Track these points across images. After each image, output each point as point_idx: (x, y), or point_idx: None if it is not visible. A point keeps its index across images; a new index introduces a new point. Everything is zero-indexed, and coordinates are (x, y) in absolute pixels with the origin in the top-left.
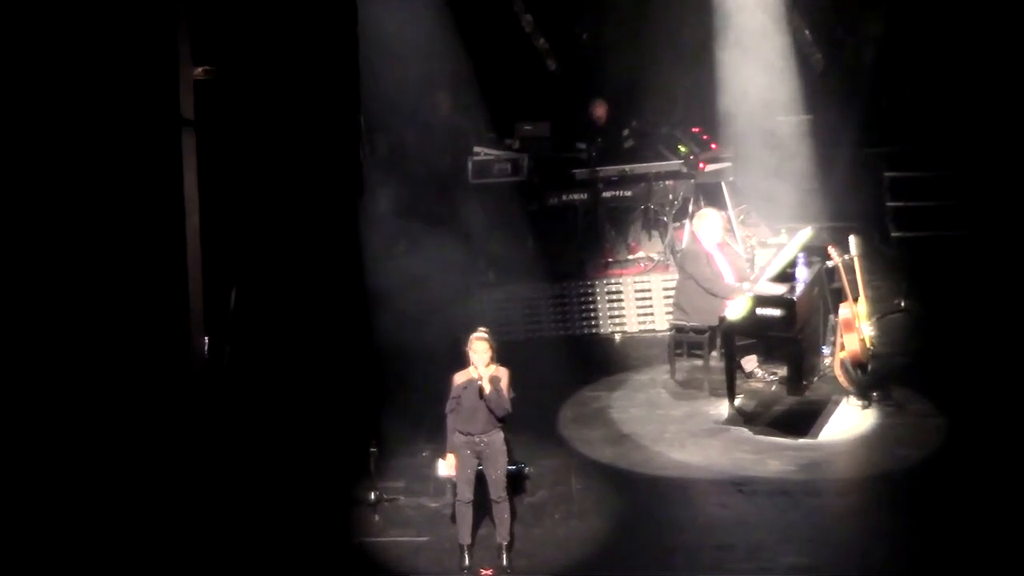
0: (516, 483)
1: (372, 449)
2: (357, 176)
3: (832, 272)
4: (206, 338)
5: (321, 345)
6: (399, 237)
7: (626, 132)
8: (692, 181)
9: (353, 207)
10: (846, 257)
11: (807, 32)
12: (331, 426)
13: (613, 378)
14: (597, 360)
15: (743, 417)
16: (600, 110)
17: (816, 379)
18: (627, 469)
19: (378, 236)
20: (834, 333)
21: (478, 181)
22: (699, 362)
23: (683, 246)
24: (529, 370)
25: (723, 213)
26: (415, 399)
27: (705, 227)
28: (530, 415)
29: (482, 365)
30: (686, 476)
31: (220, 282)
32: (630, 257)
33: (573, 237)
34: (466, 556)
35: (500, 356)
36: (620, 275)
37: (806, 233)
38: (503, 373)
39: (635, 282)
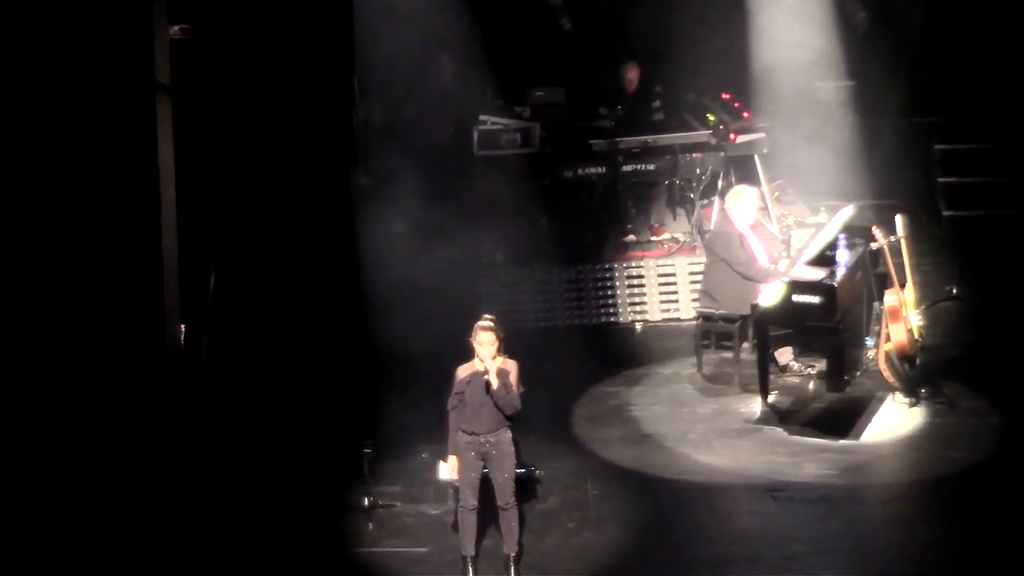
0: (525, 488)
1: (366, 450)
2: (350, 147)
3: (876, 255)
4: (182, 327)
5: (310, 334)
6: (396, 215)
7: (657, 102)
8: (722, 154)
9: (345, 181)
10: (892, 238)
11: None
12: (321, 424)
13: (633, 372)
14: (616, 352)
15: (777, 416)
16: (632, 73)
17: (858, 374)
18: (648, 473)
19: (373, 214)
20: (878, 323)
21: (485, 153)
22: (729, 354)
23: (712, 226)
24: (540, 363)
25: (756, 189)
26: (413, 394)
27: (737, 206)
28: (541, 413)
29: (488, 357)
30: (714, 481)
31: (198, 263)
32: (653, 238)
33: (590, 215)
34: (469, 569)
35: (508, 347)
36: (642, 257)
37: (848, 212)
38: (511, 366)
39: (658, 265)
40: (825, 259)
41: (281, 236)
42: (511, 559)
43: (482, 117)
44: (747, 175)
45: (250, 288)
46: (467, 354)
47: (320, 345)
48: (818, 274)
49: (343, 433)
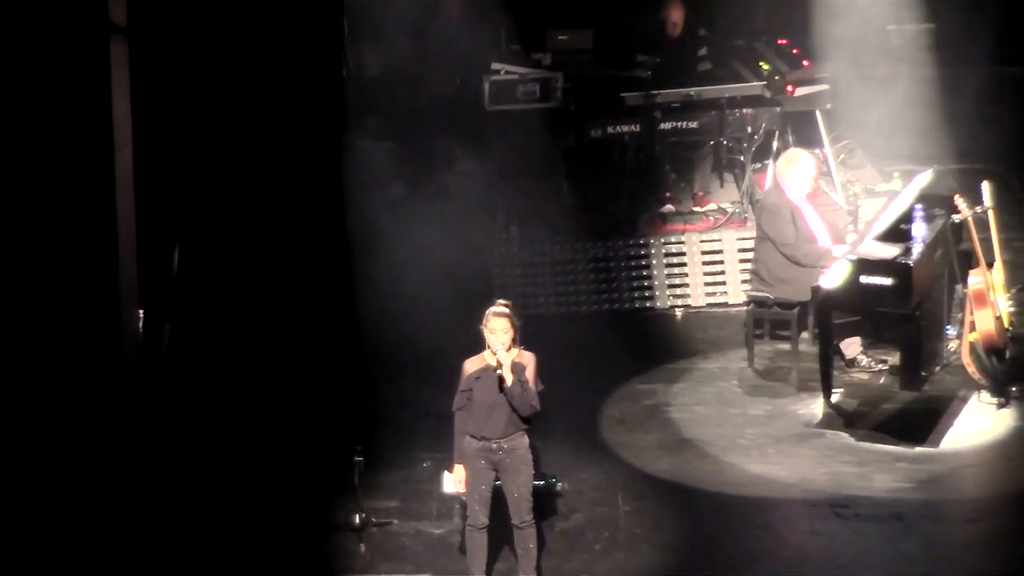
0: (545, 503)
1: (356, 457)
2: (338, 101)
3: (959, 229)
4: (140, 312)
5: (291, 322)
6: (393, 182)
7: (702, 49)
8: (777, 109)
9: (334, 142)
10: (977, 209)
11: None
12: (303, 428)
13: (672, 366)
14: (651, 343)
15: (842, 418)
16: (675, 14)
17: (938, 369)
18: (690, 485)
19: (366, 181)
20: (962, 309)
21: (497, 108)
22: (785, 346)
23: (763, 195)
24: (563, 356)
25: (817, 152)
26: (412, 392)
27: (791, 173)
28: (563, 414)
29: (501, 348)
30: (767, 495)
31: (160, 237)
32: (696, 209)
33: (621, 182)
34: None
35: (525, 337)
36: (683, 231)
37: (925, 178)
38: (529, 359)
39: (702, 241)
40: (899, 234)
41: (257, 206)
42: None
43: (494, 66)
44: (807, 134)
45: (221, 267)
46: (476, 345)
47: (303, 334)
48: (891, 251)
49: (329, 438)
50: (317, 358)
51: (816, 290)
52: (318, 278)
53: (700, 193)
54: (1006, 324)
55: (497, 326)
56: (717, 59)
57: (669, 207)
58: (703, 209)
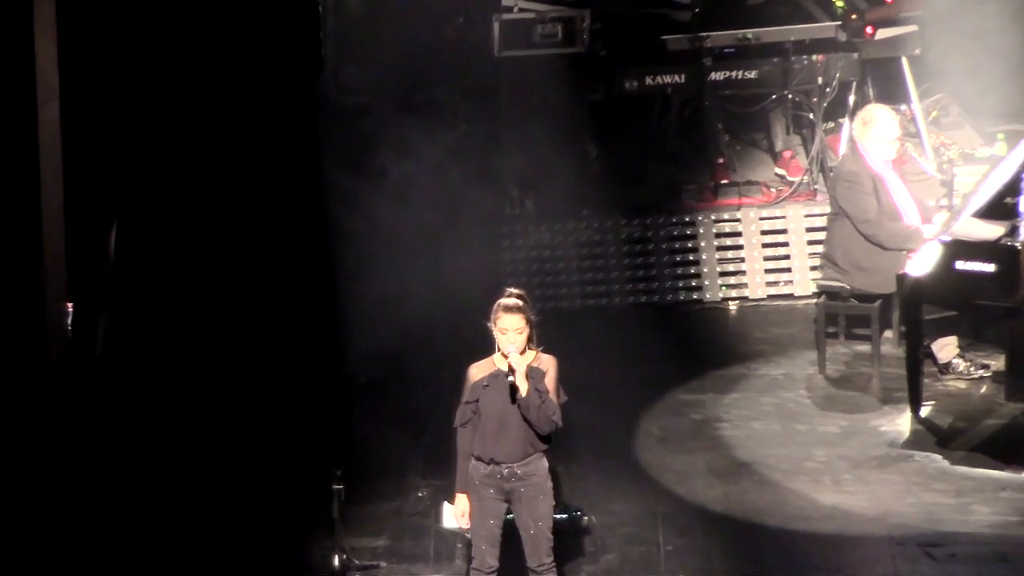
0: (569, 541)
1: (336, 486)
2: (312, 47)
3: None
4: (70, 306)
5: (257, 319)
6: (380, 144)
7: None
8: (855, 55)
9: (307, 98)
10: None
11: None
12: (271, 448)
13: (725, 373)
14: (699, 344)
15: (935, 436)
16: None
17: None
18: (746, 519)
19: (346, 145)
20: None
21: (510, 54)
22: (864, 347)
23: (837, 162)
24: (590, 360)
25: (902, 109)
26: (404, 404)
27: (870, 134)
28: (591, 431)
29: (514, 350)
30: (842, 531)
31: (92, 214)
32: (753, 178)
33: (662, 144)
34: None
35: (543, 336)
36: (738, 206)
37: None
38: (548, 364)
39: (762, 219)
40: (1004, 209)
41: (214, 176)
42: None
43: (505, 2)
44: (891, 87)
45: (170, 250)
46: (484, 347)
47: (271, 334)
48: (993, 231)
49: (303, 461)
50: (288, 363)
51: (902, 279)
52: (289, 266)
53: (788, 153)
54: None
55: (509, 323)
56: None
57: (722, 176)
58: (762, 179)
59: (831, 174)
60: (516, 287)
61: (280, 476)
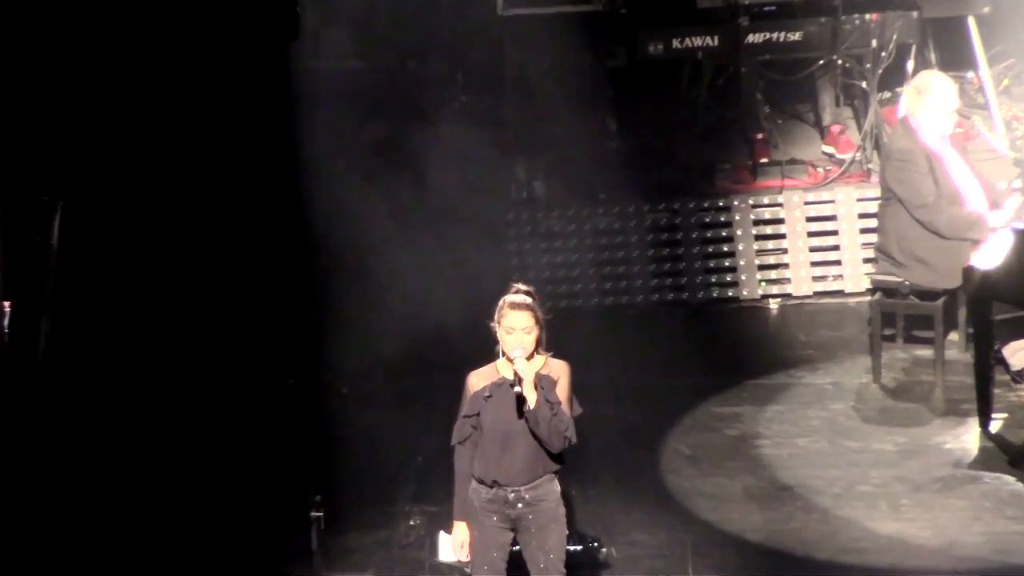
0: (584, 574)
1: (315, 513)
2: (288, 4)
3: None
4: (6, 305)
5: (225, 317)
6: (366, 118)
7: None
8: (914, 14)
9: (282, 63)
10: None
11: None
12: (240, 469)
13: (765, 382)
14: (735, 348)
15: (1006, 455)
16: None
17: None
18: (790, 552)
19: (327, 118)
20: None
21: (515, 12)
22: (926, 352)
23: (890, 138)
24: (608, 366)
25: (968, 76)
26: (393, 419)
27: (924, 104)
28: (611, 449)
29: (521, 355)
30: (901, 563)
31: (32, 199)
32: (798, 158)
33: (692, 117)
34: None
35: (555, 339)
36: (780, 189)
37: None
38: (560, 370)
39: (808, 203)
40: None
41: (177, 153)
42: None
43: None
44: (956, 51)
45: (124, 239)
46: (486, 352)
47: (240, 336)
48: None
49: (278, 484)
50: (260, 371)
51: (969, 273)
52: (260, 257)
53: (837, 128)
54: None
55: (516, 321)
56: None
57: (762, 155)
58: (808, 158)
59: (883, 154)
60: (523, 283)
61: (250, 501)
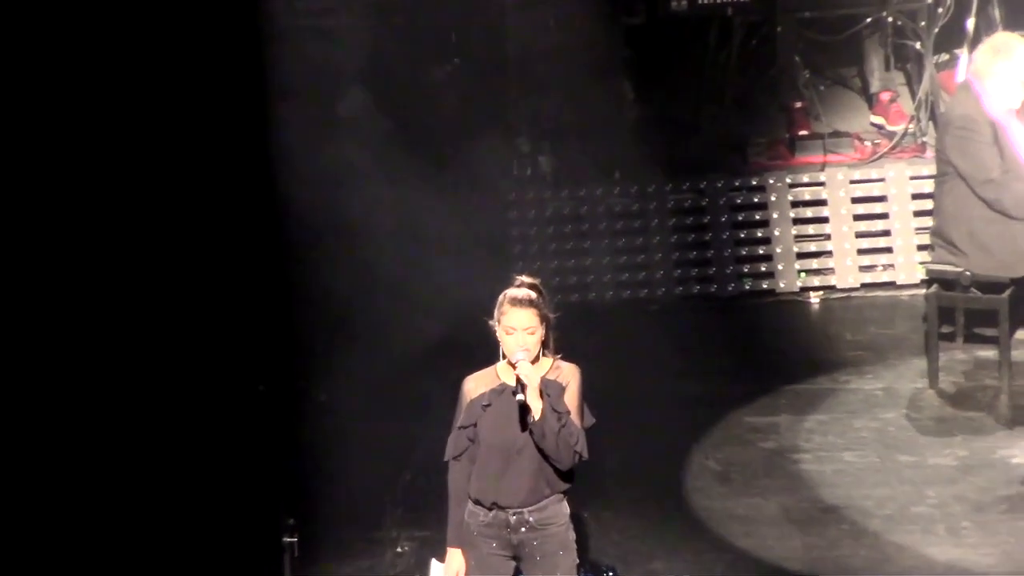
0: None
1: (288, 539)
2: None
3: None
4: None
5: (184, 313)
6: (347, 82)
7: None
8: None
9: (251, 15)
10: None
11: None
12: (202, 486)
13: (805, 387)
14: (770, 349)
15: None
16: None
17: None
18: None
19: (302, 77)
20: None
21: None
22: (989, 352)
23: (949, 105)
24: (625, 369)
25: None
26: (378, 430)
27: (1000, 68)
28: (627, 466)
29: (525, 357)
30: None
31: None
32: (843, 130)
33: (721, 83)
34: None
35: (564, 340)
36: (822, 165)
37: None
38: (570, 375)
39: (853, 182)
40: None
41: (128, 123)
42: None
43: None
44: (1022, 8)
45: (62, 222)
46: (485, 354)
47: (204, 336)
48: None
49: (246, 505)
50: (225, 376)
51: None
52: (225, 243)
53: (887, 95)
54: None
55: (517, 319)
56: None
57: (802, 127)
58: (890, 124)
59: (941, 121)
60: (527, 274)
61: (213, 525)
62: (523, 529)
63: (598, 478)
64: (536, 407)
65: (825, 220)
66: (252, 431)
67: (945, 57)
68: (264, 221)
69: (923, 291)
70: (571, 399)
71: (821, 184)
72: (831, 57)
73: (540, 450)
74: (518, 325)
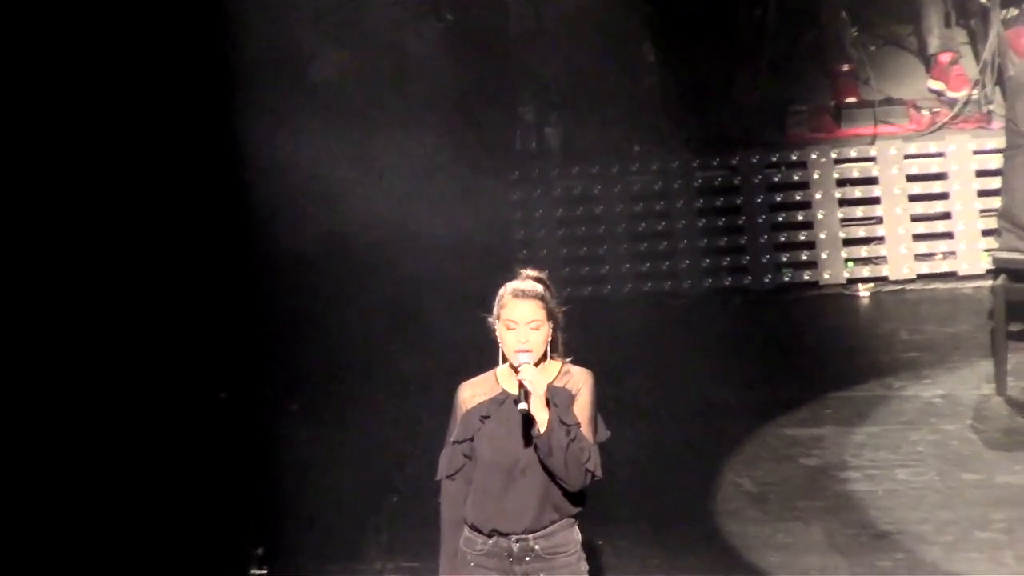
0: None
1: (257, 571)
2: None
3: None
4: None
5: (140, 314)
6: (322, 47)
7: None
8: None
9: None
10: None
11: None
12: (158, 510)
13: (853, 394)
14: (813, 350)
15: None
16: None
17: None
18: None
19: (271, 44)
20: None
21: None
22: None
23: (1019, 67)
24: (645, 374)
25: None
26: (360, 444)
27: None
28: (648, 486)
29: (528, 360)
30: None
31: None
32: (896, 97)
33: (757, 44)
34: None
35: (574, 340)
36: (872, 138)
37: None
38: (580, 381)
39: (908, 157)
40: None
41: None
42: None
43: None
44: None
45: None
46: (484, 358)
47: (161, 338)
48: None
49: (208, 532)
50: (184, 382)
51: None
52: (186, 236)
53: (947, 56)
54: None
55: (519, 313)
56: None
57: (848, 95)
58: (951, 90)
59: (1009, 87)
60: (532, 266)
61: (172, 555)
62: (527, 559)
63: (614, 500)
64: (542, 418)
65: (876, 201)
66: (213, 445)
67: (1014, 12)
68: (229, 213)
69: (989, 282)
70: (582, 409)
71: (871, 160)
72: (883, 13)
73: (546, 468)
74: (520, 319)
